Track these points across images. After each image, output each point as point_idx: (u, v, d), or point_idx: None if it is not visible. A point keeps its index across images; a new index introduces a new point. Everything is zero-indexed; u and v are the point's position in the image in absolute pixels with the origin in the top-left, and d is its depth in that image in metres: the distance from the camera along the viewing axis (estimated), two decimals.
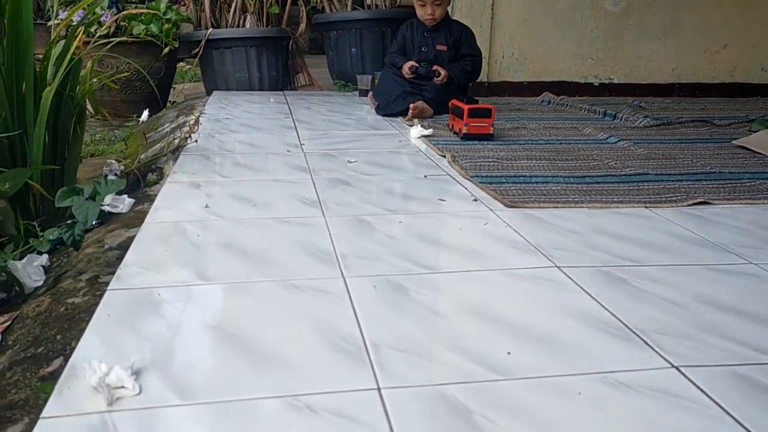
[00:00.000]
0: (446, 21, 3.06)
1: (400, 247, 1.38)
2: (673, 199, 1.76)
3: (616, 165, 2.09)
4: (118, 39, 2.09)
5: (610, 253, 1.38)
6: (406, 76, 2.99)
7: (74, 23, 3.19)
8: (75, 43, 1.69)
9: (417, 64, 2.98)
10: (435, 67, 2.94)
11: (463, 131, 2.43)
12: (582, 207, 1.69)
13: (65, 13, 3.40)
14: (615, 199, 1.75)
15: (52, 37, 1.89)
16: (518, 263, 1.30)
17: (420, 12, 3.03)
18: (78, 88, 1.78)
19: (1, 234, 1.21)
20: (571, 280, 1.22)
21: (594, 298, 1.15)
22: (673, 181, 1.94)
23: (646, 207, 1.71)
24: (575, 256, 1.35)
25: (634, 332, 1.03)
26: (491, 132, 2.45)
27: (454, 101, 2.59)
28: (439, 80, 2.93)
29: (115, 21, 3.03)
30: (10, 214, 1.09)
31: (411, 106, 2.83)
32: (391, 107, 2.97)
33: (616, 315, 1.09)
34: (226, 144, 2.36)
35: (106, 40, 2.18)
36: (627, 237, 1.48)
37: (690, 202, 1.74)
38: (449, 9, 3.15)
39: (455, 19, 3.19)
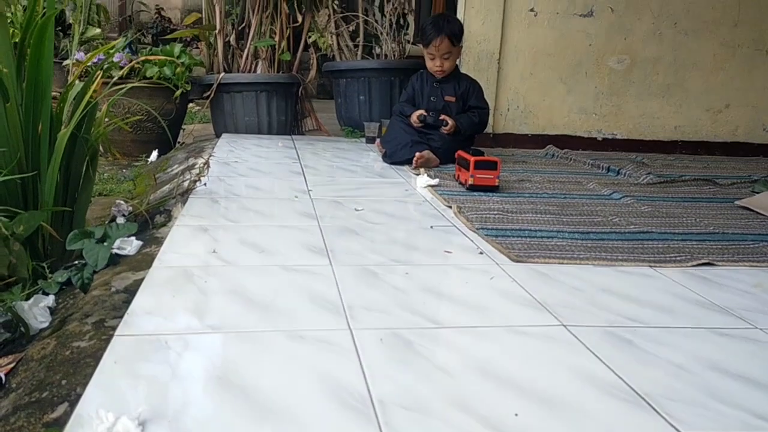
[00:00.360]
0: (455, 73, 3.13)
1: (406, 299, 1.39)
2: (678, 259, 1.77)
3: (620, 222, 2.10)
4: (133, 83, 2.13)
5: (616, 312, 1.38)
6: (414, 125, 3.04)
7: (89, 64, 3.26)
8: (93, 87, 1.72)
9: (425, 113, 3.03)
10: (443, 117, 3.00)
11: (469, 182, 2.46)
12: (587, 264, 1.70)
13: (80, 53, 3.48)
14: (620, 257, 1.76)
15: (69, 78, 1.93)
16: (525, 320, 1.31)
17: (430, 64, 3.09)
18: (93, 130, 1.80)
19: (13, 276, 1.21)
20: (578, 340, 1.23)
21: (601, 360, 1.15)
22: (677, 240, 1.95)
23: (650, 266, 1.72)
24: (582, 314, 1.35)
25: (642, 397, 1.03)
26: (497, 184, 2.47)
27: (460, 152, 2.62)
28: (446, 129, 2.98)
29: (133, 65, 3.08)
30: (24, 256, 1.10)
31: (417, 155, 2.86)
32: (398, 155, 3.01)
33: (623, 378, 1.09)
34: (235, 188, 2.38)
35: (122, 83, 2.22)
36: (633, 297, 1.49)
37: (694, 263, 1.75)
38: (457, 62, 3.21)
39: (464, 73, 3.26)
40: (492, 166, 2.47)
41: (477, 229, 1.96)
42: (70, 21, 5.08)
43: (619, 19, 3.63)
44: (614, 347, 1.21)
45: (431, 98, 3.12)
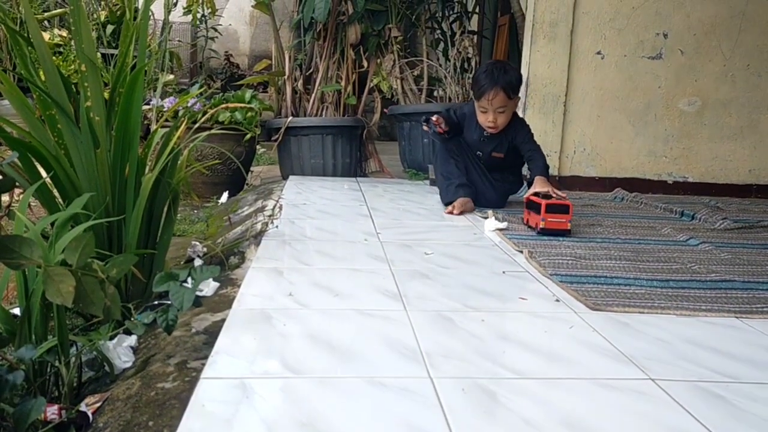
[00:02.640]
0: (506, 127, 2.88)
1: (485, 347, 1.37)
2: (765, 310, 1.70)
3: (699, 269, 2.03)
4: (212, 129, 2.21)
5: (704, 366, 1.33)
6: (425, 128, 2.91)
7: (165, 109, 3.39)
8: (178, 134, 1.79)
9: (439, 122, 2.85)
10: (545, 193, 2.55)
11: (540, 226, 2.43)
12: (669, 313, 1.65)
13: (155, 99, 3.63)
14: (703, 307, 1.70)
15: (155, 125, 2.01)
16: (611, 373, 1.27)
17: (482, 119, 2.84)
18: (175, 174, 1.87)
19: (107, 318, 1.26)
20: (668, 395, 1.18)
21: (695, 417, 1.10)
22: (762, 290, 1.87)
23: (737, 317, 1.65)
24: (669, 368, 1.30)
25: None
26: (569, 228, 2.44)
27: (529, 196, 2.59)
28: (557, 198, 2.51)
29: (214, 113, 3.20)
30: (117, 299, 1.14)
31: (448, 208, 2.83)
32: (442, 195, 2.98)
33: None
34: (305, 230, 2.41)
35: (200, 128, 2.31)
36: (720, 349, 1.43)
37: None
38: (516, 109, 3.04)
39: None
40: (564, 210, 2.43)
41: (551, 275, 1.93)
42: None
43: (689, 61, 3.57)
44: (706, 403, 1.16)
45: (477, 152, 2.94)
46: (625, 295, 1.77)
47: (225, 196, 3.29)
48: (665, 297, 1.76)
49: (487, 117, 2.81)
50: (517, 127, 2.91)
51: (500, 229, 2.51)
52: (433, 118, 2.84)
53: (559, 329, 1.51)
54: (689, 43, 3.56)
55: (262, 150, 5.23)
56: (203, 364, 1.30)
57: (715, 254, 2.25)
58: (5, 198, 1.65)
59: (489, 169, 3.00)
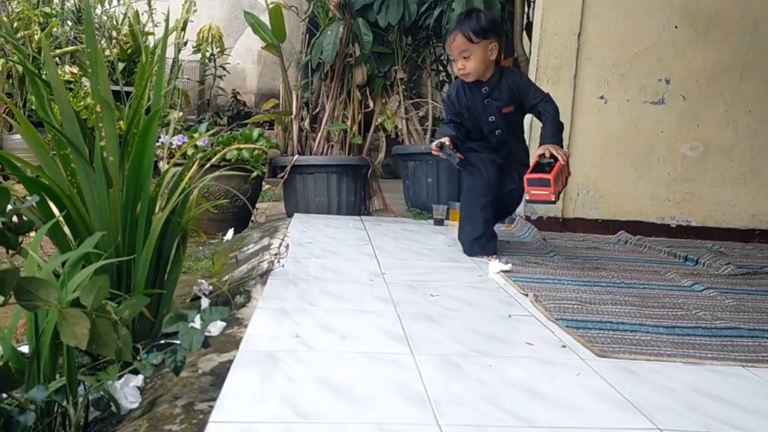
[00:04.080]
0: (495, 75, 2.74)
1: (493, 394, 1.37)
2: None
3: (705, 316, 2.04)
4: (222, 170, 2.24)
5: (711, 416, 1.32)
6: (432, 150, 2.73)
7: (173, 146, 3.43)
8: (190, 174, 1.82)
9: (450, 144, 2.70)
10: (548, 157, 2.54)
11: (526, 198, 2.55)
12: (675, 361, 1.65)
13: (165, 136, 3.67)
14: (709, 355, 1.70)
15: (163, 163, 2.04)
16: (619, 422, 1.27)
17: (455, 69, 2.75)
18: (185, 213, 1.89)
19: (119, 360, 1.26)
20: None
21: None
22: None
23: (743, 366, 1.65)
24: (677, 417, 1.30)
25: None
26: (553, 200, 2.47)
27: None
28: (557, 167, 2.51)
29: (224, 153, 3.24)
30: (129, 341, 1.15)
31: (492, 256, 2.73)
32: (470, 248, 2.81)
33: None
34: (311, 270, 2.42)
35: (209, 167, 2.34)
36: (728, 399, 1.42)
37: None
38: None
39: (500, 65, 2.80)
40: (545, 183, 2.45)
41: (556, 319, 1.93)
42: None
43: (691, 107, 3.62)
44: None
45: (489, 118, 2.75)
46: (632, 341, 1.77)
47: (230, 233, 3.31)
48: (671, 344, 1.76)
49: (456, 64, 2.72)
50: (517, 76, 2.81)
51: (505, 271, 2.52)
52: (445, 141, 2.70)
53: (566, 376, 1.51)
54: (691, 89, 3.62)
55: (267, 186, 5.27)
56: (210, 407, 1.30)
57: (720, 300, 2.26)
58: None
59: (508, 140, 2.83)
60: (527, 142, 3.58)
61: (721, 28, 3.59)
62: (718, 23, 3.59)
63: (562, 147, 2.64)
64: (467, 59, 2.69)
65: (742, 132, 3.64)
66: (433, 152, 2.74)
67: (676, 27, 3.58)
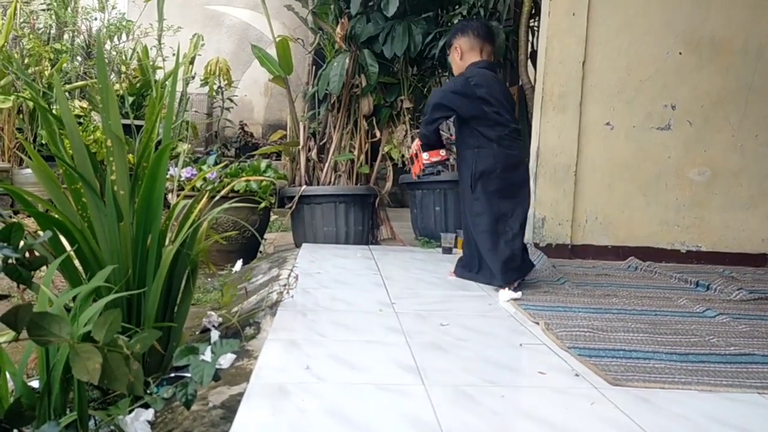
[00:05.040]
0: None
1: (506, 425, 1.36)
2: None
3: (718, 342, 2.02)
4: (231, 202, 2.25)
5: None
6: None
7: (182, 178, 3.46)
8: (200, 206, 1.83)
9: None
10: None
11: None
12: (690, 389, 1.63)
13: (175, 169, 3.70)
14: (724, 383, 1.68)
15: (172, 195, 2.05)
16: None
17: None
18: (194, 246, 1.90)
19: (130, 394, 1.26)
20: None
21: None
22: None
23: (758, 393, 1.63)
24: None
25: None
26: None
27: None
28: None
29: (233, 184, 3.26)
30: (141, 375, 1.14)
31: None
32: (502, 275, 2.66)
33: None
34: (320, 300, 2.42)
35: (218, 199, 2.35)
36: (744, 427, 1.41)
37: None
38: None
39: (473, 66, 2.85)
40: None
41: (568, 348, 1.91)
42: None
43: (698, 132, 3.63)
44: None
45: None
46: (645, 369, 1.75)
47: (239, 264, 3.31)
48: (685, 372, 1.74)
49: None
50: None
51: (515, 299, 2.50)
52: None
53: (580, 405, 1.49)
54: (697, 115, 3.63)
55: (275, 217, 5.28)
56: None
57: (733, 326, 2.24)
58: None
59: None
60: (534, 168, 3.60)
61: (726, 53, 3.61)
62: (723, 49, 3.61)
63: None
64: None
65: (749, 156, 3.64)
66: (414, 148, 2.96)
67: (680, 53, 3.60)
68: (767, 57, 3.61)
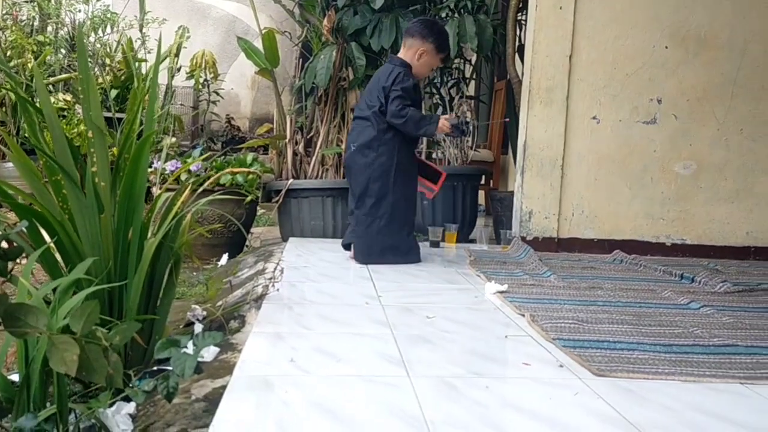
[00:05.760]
0: None
1: (490, 416, 1.35)
2: None
3: (702, 334, 2.03)
4: (216, 194, 2.23)
5: None
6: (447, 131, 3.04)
7: (167, 172, 3.43)
8: (182, 198, 1.81)
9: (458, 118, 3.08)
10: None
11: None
12: (674, 380, 1.63)
13: (158, 162, 3.67)
14: (707, 373, 1.68)
15: (156, 188, 2.03)
16: None
17: (426, 71, 3.19)
18: (178, 239, 1.88)
19: (109, 386, 1.24)
20: None
21: None
22: (765, 354, 1.86)
23: (741, 383, 1.64)
24: None
25: None
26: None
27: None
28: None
29: (218, 177, 3.24)
30: (120, 367, 1.13)
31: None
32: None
33: None
34: (306, 293, 2.41)
35: (203, 192, 2.33)
36: (728, 417, 1.41)
37: None
38: None
39: None
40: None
41: (553, 339, 1.91)
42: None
43: (683, 126, 3.64)
44: None
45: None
46: (629, 360, 1.75)
47: (225, 258, 3.29)
48: (669, 362, 1.75)
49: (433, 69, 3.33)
50: None
51: (501, 292, 2.50)
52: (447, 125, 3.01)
53: (564, 396, 1.49)
54: (683, 109, 3.64)
55: (262, 211, 5.26)
56: None
57: (717, 318, 2.25)
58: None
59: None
60: (521, 162, 3.60)
61: (711, 48, 3.63)
62: (708, 43, 3.62)
63: None
64: None
65: (734, 150, 3.66)
66: (446, 130, 3.02)
67: (666, 47, 3.61)
68: (752, 52, 3.63)
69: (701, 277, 2.89)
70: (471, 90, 5.59)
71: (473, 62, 4.70)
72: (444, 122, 2.97)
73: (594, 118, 3.63)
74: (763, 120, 3.65)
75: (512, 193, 3.84)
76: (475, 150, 4.54)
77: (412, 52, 3.04)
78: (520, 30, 4.18)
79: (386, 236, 3.00)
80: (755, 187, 3.67)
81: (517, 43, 4.15)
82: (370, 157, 3.00)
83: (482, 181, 5.02)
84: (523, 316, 2.17)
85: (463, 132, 2.96)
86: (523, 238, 3.61)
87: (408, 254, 3.07)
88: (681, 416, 1.40)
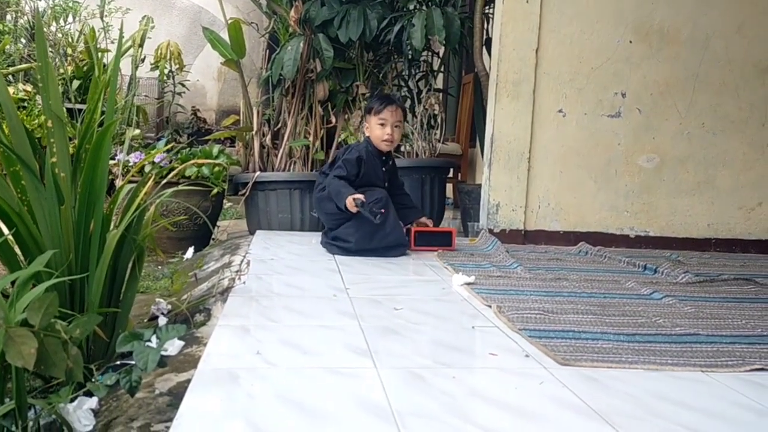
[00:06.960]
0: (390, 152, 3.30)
1: (456, 405, 1.36)
2: (730, 363, 1.72)
3: (664, 323, 2.06)
4: (180, 186, 2.20)
5: (674, 421, 1.33)
6: (351, 208, 2.95)
7: (131, 164, 3.37)
8: (145, 190, 1.78)
9: (363, 200, 2.95)
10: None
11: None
12: (637, 368, 1.66)
13: (122, 154, 3.61)
14: (669, 362, 1.71)
15: (120, 181, 1.99)
16: (581, 429, 1.27)
17: (378, 132, 3.14)
18: (141, 231, 1.85)
19: (69, 381, 1.22)
20: None
21: None
22: (725, 343, 1.90)
23: (702, 371, 1.67)
24: (639, 424, 1.31)
25: None
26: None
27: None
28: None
29: (183, 168, 3.19)
30: (80, 361, 1.10)
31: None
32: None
33: None
34: (273, 286, 2.39)
35: (167, 184, 2.29)
36: (688, 404, 1.44)
37: (747, 368, 1.69)
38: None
39: None
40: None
41: (519, 330, 1.93)
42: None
43: (647, 120, 3.70)
44: None
45: (384, 183, 3.20)
46: (594, 349, 1.78)
47: (190, 251, 3.25)
48: (632, 351, 1.77)
49: (385, 130, 3.12)
50: (392, 156, 3.35)
51: (468, 284, 2.52)
52: (362, 197, 2.96)
53: (530, 385, 1.50)
54: (646, 103, 3.70)
55: (229, 204, 5.21)
56: (167, 428, 1.26)
57: (679, 308, 2.29)
58: None
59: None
60: (488, 155, 3.63)
61: (674, 42, 3.69)
62: (671, 38, 3.68)
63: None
64: (397, 128, 3.15)
65: (696, 143, 3.73)
66: (352, 209, 2.94)
67: (630, 42, 3.66)
68: (713, 47, 3.70)
69: (664, 268, 2.94)
70: (439, 83, 5.61)
71: (441, 55, 4.71)
72: (350, 201, 2.95)
73: (560, 111, 3.67)
74: (723, 114, 3.72)
75: (480, 185, 3.87)
76: (443, 143, 4.56)
77: (365, 129, 3.26)
78: (488, 23, 4.20)
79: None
80: (716, 180, 3.75)
81: (484, 37, 4.16)
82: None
83: (450, 174, 5.04)
84: (490, 307, 2.19)
85: (374, 215, 2.92)
86: (491, 231, 3.64)
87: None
88: (644, 404, 1.42)
